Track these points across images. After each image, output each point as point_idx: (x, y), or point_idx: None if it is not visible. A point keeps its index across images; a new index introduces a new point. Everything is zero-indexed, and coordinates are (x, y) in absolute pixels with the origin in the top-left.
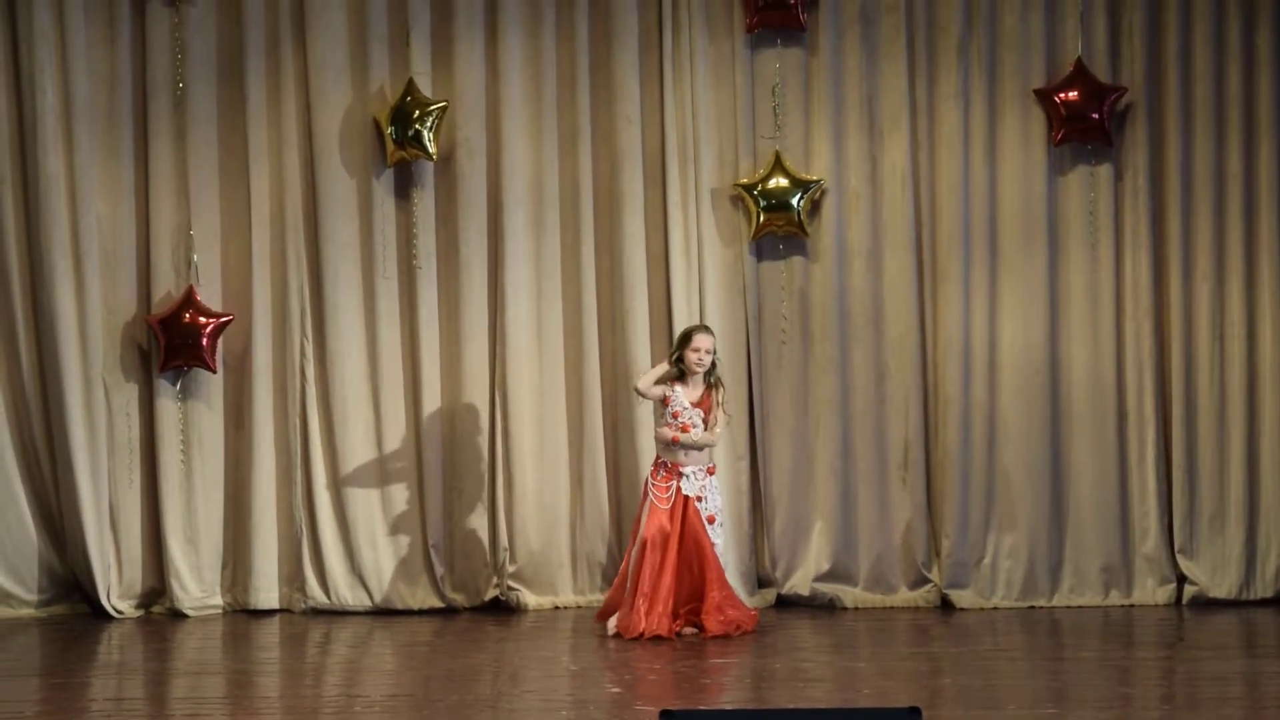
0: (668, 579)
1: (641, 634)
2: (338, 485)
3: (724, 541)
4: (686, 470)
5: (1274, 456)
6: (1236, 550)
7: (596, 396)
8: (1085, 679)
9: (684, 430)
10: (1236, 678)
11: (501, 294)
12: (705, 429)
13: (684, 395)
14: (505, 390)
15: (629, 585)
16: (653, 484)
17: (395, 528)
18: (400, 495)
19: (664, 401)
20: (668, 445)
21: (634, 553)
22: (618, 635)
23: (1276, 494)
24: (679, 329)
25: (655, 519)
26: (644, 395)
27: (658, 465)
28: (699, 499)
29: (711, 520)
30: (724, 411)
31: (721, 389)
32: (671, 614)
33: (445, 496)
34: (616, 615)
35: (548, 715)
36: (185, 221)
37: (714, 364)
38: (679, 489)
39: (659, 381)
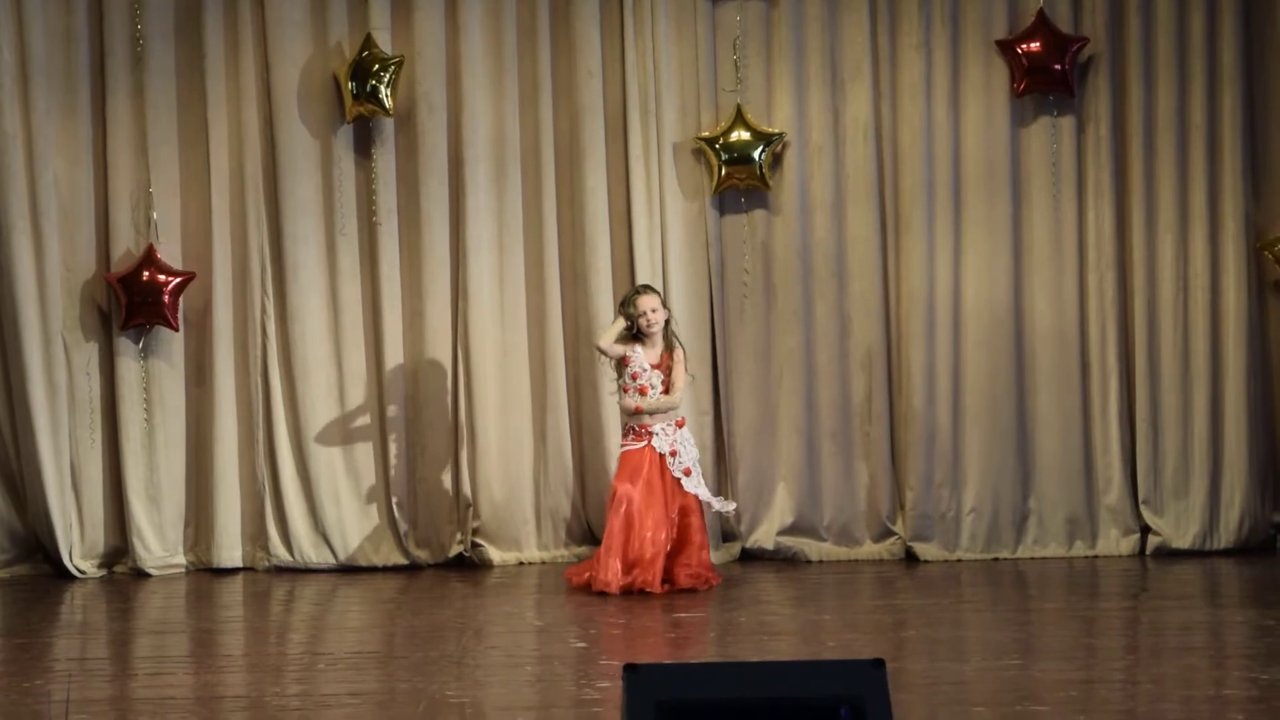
0: (629, 536)
1: (590, 585)
2: (300, 442)
3: (699, 488)
4: (655, 429)
5: (1237, 407)
6: (1199, 501)
7: (559, 351)
8: (1049, 630)
9: (642, 393)
10: (1199, 627)
11: (463, 249)
12: (664, 391)
13: (643, 356)
14: (468, 346)
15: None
16: (623, 446)
17: (359, 485)
18: (363, 452)
19: (624, 361)
20: (633, 413)
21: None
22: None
23: (1239, 444)
24: (640, 283)
25: (621, 477)
26: (605, 353)
27: (626, 431)
28: (672, 454)
29: (688, 473)
30: (686, 372)
31: (680, 348)
32: (625, 570)
33: (409, 453)
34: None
35: (512, 671)
36: (144, 179)
37: (668, 322)
38: (651, 447)
39: (619, 340)
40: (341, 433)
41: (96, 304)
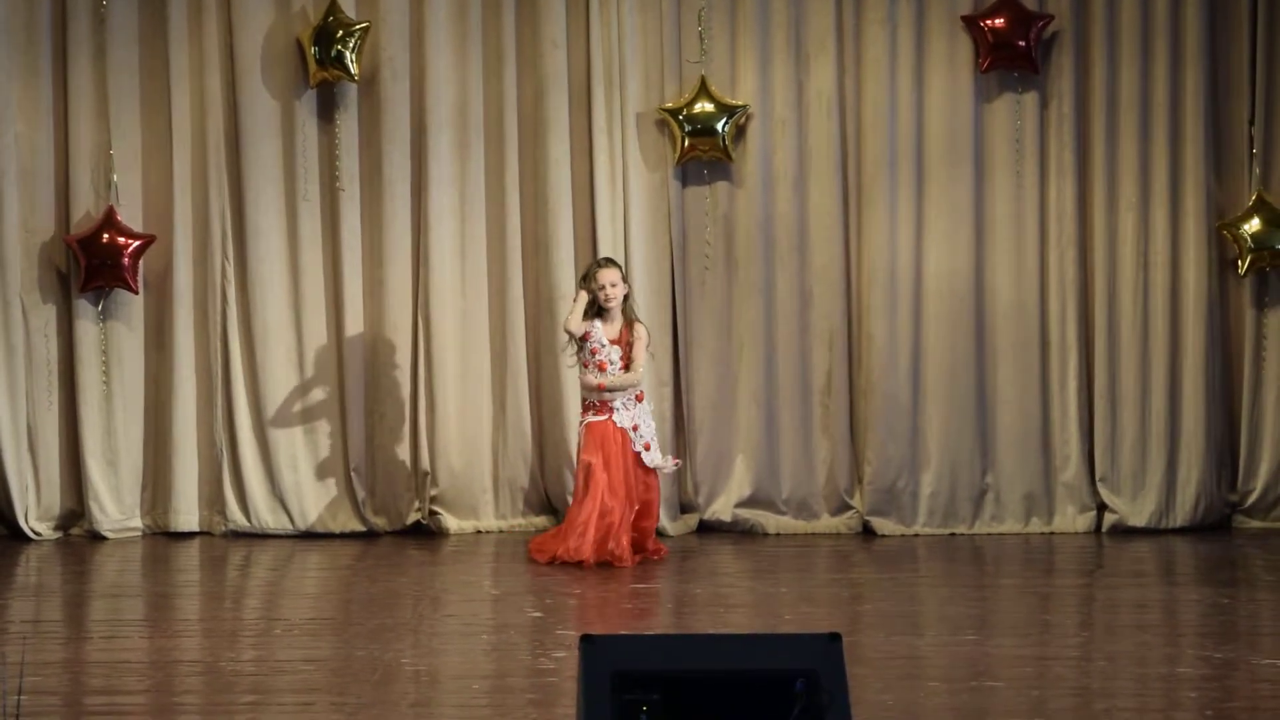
0: (599, 508)
1: (557, 558)
2: (259, 408)
3: (659, 461)
4: (616, 404)
5: (1195, 385)
6: (1156, 478)
7: (520, 321)
8: (1005, 605)
9: (601, 369)
10: (1154, 605)
11: (425, 217)
12: (623, 367)
13: (602, 332)
14: (428, 314)
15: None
16: (585, 424)
17: (316, 451)
18: (322, 418)
19: (584, 337)
20: (594, 389)
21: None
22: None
23: (1197, 424)
24: (603, 254)
25: (589, 449)
26: (573, 335)
27: (587, 406)
28: (634, 428)
29: (648, 447)
30: (646, 350)
31: (641, 325)
32: (596, 543)
33: (367, 420)
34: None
35: (468, 639)
36: (105, 142)
37: (627, 297)
38: (613, 422)
39: (585, 317)
40: (300, 399)
41: (55, 266)
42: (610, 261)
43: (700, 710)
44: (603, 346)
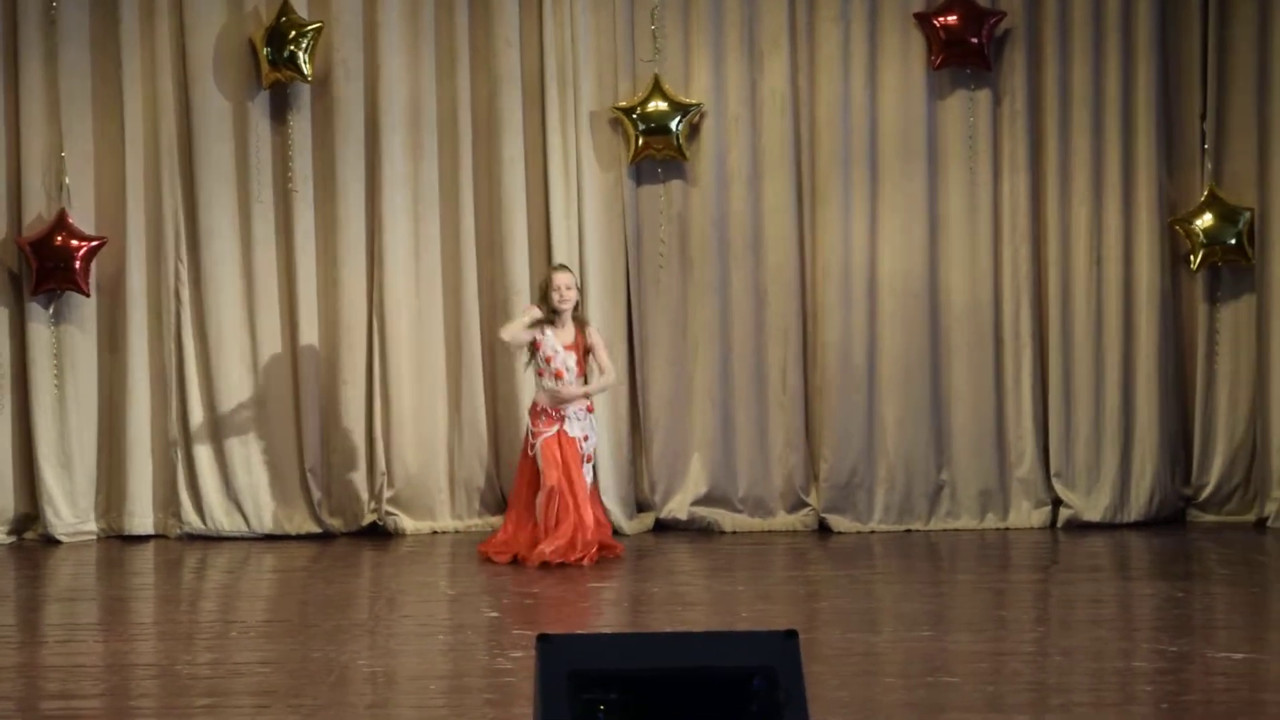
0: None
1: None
2: (214, 410)
3: (591, 476)
4: (568, 412)
5: (1149, 381)
6: (1111, 474)
7: (475, 321)
8: (961, 601)
9: (557, 376)
10: (1109, 599)
11: (379, 218)
12: (579, 374)
13: (554, 339)
14: (383, 315)
15: (541, 525)
16: (534, 430)
17: (272, 452)
18: (277, 420)
19: (535, 346)
20: (555, 395)
21: (540, 499)
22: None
23: (1150, 418)
24: (558, 253)
25: (548, 477)
26: (511, 343)
27: (538, 412)
28: (585, 438)
29: (589, 459)
30: (609, 359)
31: (590, 328)
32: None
33: (322, 421)
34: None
35: (425, 640)
36: (57, 144)
37: (578, 305)
38: (563, 431)
39: (530, 327)
40: (255, 400)
41: (7, 268)
42: (564, 267)
43: (658, 708)
44: (557, 353)
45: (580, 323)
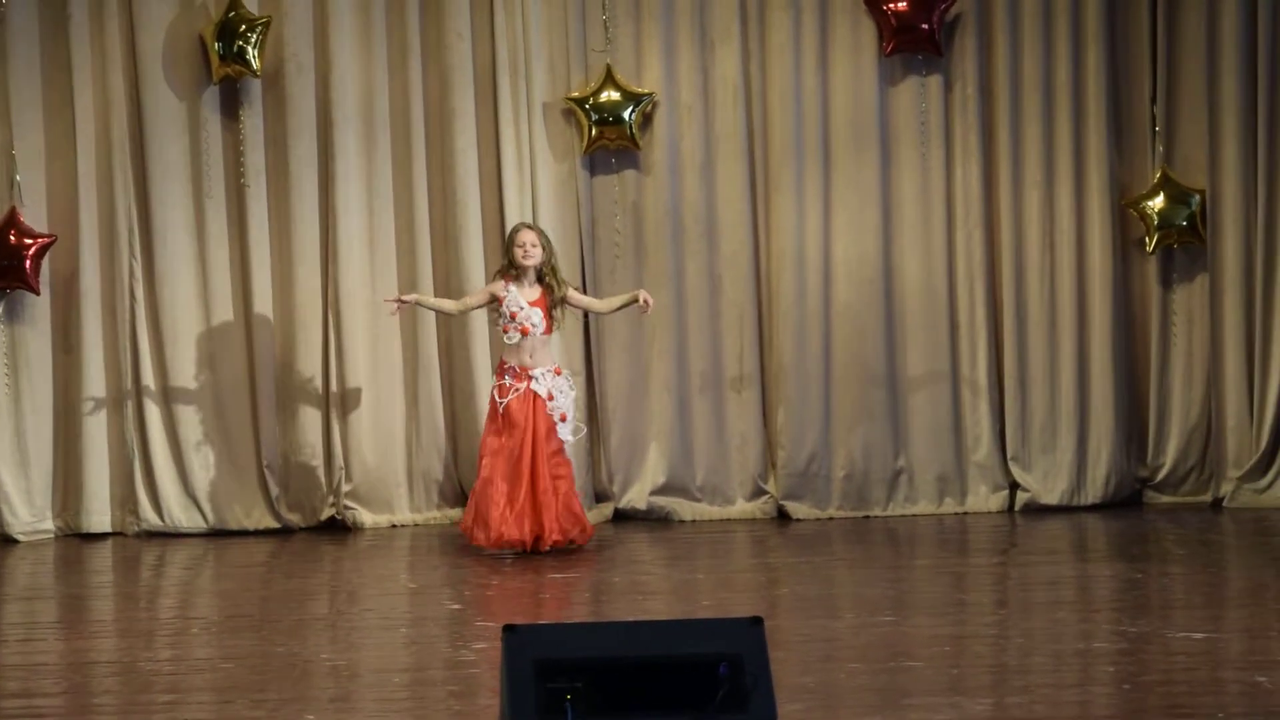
0: (515, 487)
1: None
2: (170, 406)
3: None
4: (534, 372)
5: (1104, 363)
6: (1067, 457)
7: (430, 314)
8: (921, 586)
9: (523, 332)
10: (1068, 582)
11: (333, 212)
12: (545, 328)
13: (519, 294)
14: (338, 308)
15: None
16: (500, 386)
17: (229, 448)
18: (234, 415)
19: (498, 301)
20: (517, 347)
21: (476, 485)
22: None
23: (1105, 401)
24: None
25: (492, 425)
26: (460, 311)
27: (503, 373)
28: (550, 398)
29: (564, 418)
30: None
31: (567, 284)
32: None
33: (279, 416)
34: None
35: (387, 633)
36: (7, 141)
37: (554, 267)
38: (529, 389)
39: (489, 283)
40: (211, 396)
41: None
42: (529, 225)
43: (625, 696)
44: (521, 309)
45: (549, 283)
